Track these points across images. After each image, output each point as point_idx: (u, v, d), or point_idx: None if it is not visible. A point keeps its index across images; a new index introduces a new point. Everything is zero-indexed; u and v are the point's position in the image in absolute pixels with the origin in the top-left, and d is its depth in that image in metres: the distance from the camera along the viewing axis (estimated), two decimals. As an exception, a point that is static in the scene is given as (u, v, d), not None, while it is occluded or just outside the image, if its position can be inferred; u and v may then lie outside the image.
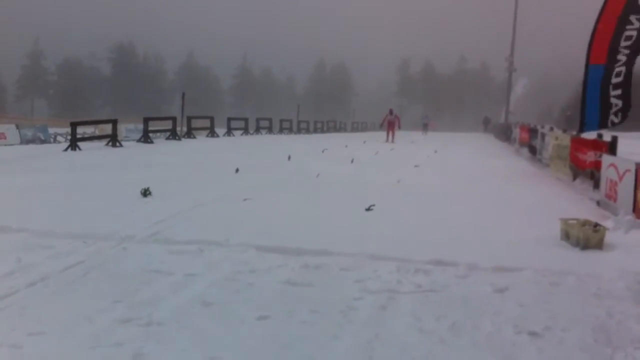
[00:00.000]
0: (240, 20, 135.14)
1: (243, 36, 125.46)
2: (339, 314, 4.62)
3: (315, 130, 47.34)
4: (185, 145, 23.41)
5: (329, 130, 49.61)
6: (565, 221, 7.30)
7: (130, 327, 4.26)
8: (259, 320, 4.47)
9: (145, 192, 9.45)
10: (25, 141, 31.05)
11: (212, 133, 30.51)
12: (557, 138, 16.14)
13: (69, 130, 33.18)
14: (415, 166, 15.30)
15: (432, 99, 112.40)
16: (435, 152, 21.34)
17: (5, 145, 27.79)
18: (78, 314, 4.44)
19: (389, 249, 6.43)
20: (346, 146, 22.51)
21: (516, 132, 29.00)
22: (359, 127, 59.88)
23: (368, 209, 8.64)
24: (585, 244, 6.84)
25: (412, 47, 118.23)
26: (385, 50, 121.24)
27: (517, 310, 4.84)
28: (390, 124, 30.19)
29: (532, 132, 22.38)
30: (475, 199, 10.36)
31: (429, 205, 9.51)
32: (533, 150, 21.31)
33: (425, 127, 46.46)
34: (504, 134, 36.32)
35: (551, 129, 19.10)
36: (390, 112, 31.08)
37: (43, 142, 32.15)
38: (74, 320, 4.33)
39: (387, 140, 28.62)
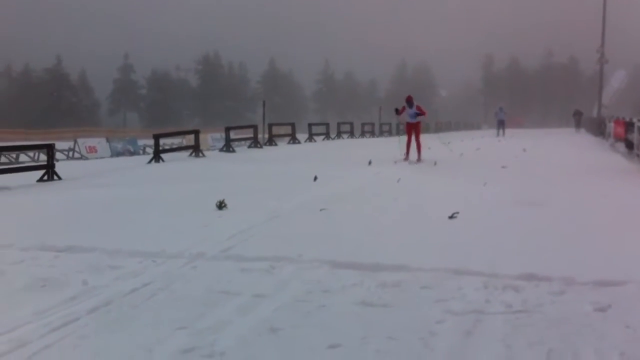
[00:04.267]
0: (321, 26, 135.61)
1: (324, 41, 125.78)
2: (418, 341, 4.15)
3: (398, 133, 46.62)
4: (266, 153, 23.39)
5: (412, 132, 48.63)
6: (674, 226, 6.53)
7: (192, 358, 3.97)
8: (330, 349, 4.06)
9: (221, 205, 9.25)
10: (115, 154, 32.07)
11: (294, 139, 30.44)
12: (656, 132, 14.98)
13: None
14: (503, 167, 14.54)
15: (518, 95, 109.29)
16: (524, 150, 20.37)
17: (96, 158, 28.77)
18: (137, 345, 4.17)
19: (474, 261, 5.90)
20: (429, 148, 21.83)
21: (610, 127, 27.45)
22: (442, 127, 58.68)
23: (451, 217, 8.09)
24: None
25: (496, 42, 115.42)
26: (468, 46, 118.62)
27: (622, 334, 4.23)
28: (411, 127, 17.61)
29: (628, 126, 21.00)
30: (567, 200, 9.59)
31: (518, 210, 8.82)
32: (630, 145, 19.98)
33: (501, 124, 36.07)
34: (598, 128, 34.56)
35: (649, 121, 17.80)
36: (409, 101, 17.36)
37: (132, 154, 33.13)
38: (131, 352, 4.06)
39: (406, 158, 17.21)
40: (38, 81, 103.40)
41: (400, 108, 17.64)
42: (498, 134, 35.26)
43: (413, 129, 17.48)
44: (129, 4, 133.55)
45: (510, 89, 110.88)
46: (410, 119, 17.43)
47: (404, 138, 17.91)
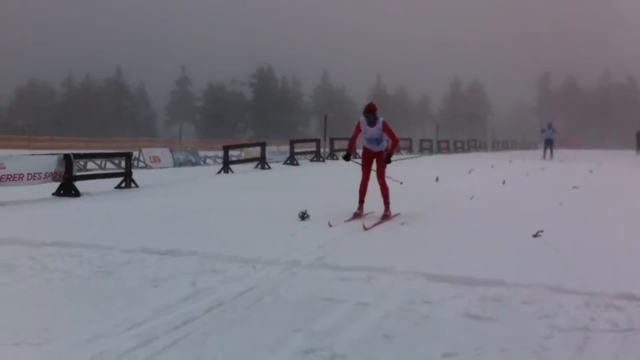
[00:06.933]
0: (373, 41, 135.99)
1: (376, 56, 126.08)
2: (531, 354, 4.26)
3: (456, 150, 46.53)
4: (330, 166, 23.53)
5: (469, 150, 48.53)
6: None
7: (314, 359, 4.16)
8: (445, 357, 4.21)
9: (304, 215, 9.47)
10: (177, 164, 32.66)
11: (355, 154, 30.47)
12: None
13: (217, 153, 34.77)
14: (574, 187, 14.38)
15: (575, 114, 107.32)
16: (591, 171, 20.08)
17: (160, 168, 29.43)
18: (259, 343, 4.40)
19: (568, 279, 5.94)
20: (492, 166, 21.74)
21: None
22: (499, 145, 58.24)
23: (535, 235, 8.11)
24: None
25: (552, 61, 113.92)
26: (523, 65, 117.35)
27: None
28: (370, 157, 10.31)
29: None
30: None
31: (601, 229, 8.77)
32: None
33: (548, 144, 28.69)
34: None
35: None
36: (369, 112, 10.33)
37: (194, 164, 33.68)
38: (254, 350, 4.29)
39: (359, 209, 10.04)
40: (98, 91, 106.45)
41: (348, 147, 11.13)
42: (544, 156, 28.10)
43: (373, 161, 10.30)
44: (187, 19, 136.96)
45: (567, 109, 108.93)
46: (370, 144, 10.31)
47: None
